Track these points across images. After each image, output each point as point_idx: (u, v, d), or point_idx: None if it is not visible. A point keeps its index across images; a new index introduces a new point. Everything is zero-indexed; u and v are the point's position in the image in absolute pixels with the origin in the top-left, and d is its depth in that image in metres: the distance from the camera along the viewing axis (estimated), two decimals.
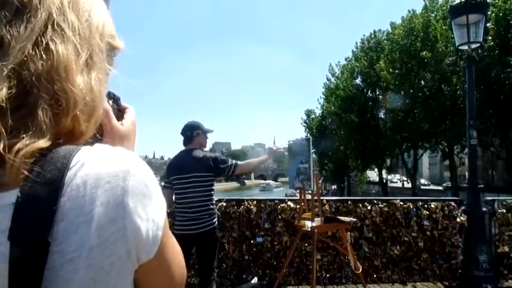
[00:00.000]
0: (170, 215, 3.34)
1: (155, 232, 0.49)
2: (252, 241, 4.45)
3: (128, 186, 0.47)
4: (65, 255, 0.43)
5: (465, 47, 4.53)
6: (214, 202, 3.17)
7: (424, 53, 20.58)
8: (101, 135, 0.61)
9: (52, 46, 0.49)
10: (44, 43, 0.48)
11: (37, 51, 0.48)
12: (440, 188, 37.14)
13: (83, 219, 0.44)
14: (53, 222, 0.43)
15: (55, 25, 0.50)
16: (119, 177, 0.47)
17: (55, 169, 0.45)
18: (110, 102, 0.66)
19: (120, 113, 0.69)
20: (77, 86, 0.50)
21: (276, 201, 4.54)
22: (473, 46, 4.52)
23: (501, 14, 18.01)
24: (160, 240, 0.50)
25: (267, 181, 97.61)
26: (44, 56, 0.48)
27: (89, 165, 0.47)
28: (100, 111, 0.55)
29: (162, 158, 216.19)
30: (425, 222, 4.47)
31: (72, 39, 0.51)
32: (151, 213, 0.49)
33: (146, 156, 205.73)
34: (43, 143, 0.46)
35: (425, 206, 4.54)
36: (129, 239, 0.46)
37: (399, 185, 45.08)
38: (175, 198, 3.18)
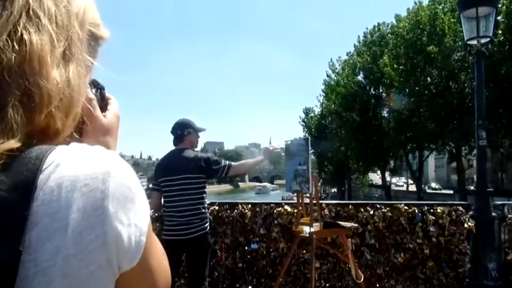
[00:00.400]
0: (159, 219, 3.33)
1: (138, 238, 0.49)
2: (246, 248, 4.45)
3: (108, 189, 0.46)
4: (38, 265, 0.42)
5: (474, 42, 4.56)
6: (206, 206, 3.17)
7: (431, 47, 20.69)
8: (80, 134, 0.60)
9: (26, 36, 0.47)
10: (17, 32, 0.47)
11: (9, 41, 0.46)
12: (451, 192, 37.09)
13: (58, 226, 0.43)
14: (24, 229, 0.42)
15: (30, 12, 0.48)
16: (98, 179, 0.46)
17: (26, 171, 0.44)
18: (93, 90, 0.65)
19: (103, 104, 0.68)
20: (51, 80, 0.49)
21: (272, 205, 4.54)
22: (483, 41, 4.54)
23: None
24: (143, 246, 0.50)
25: (263, 183, 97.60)
26: (16, 47, 0.46)
27: (64, 167, 0.46)
28: (79, 107, 0.54)
29: (149, 158, 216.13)
30: (431, 228, 4.49)
31: (48, 27, 0.49)
32: (134, 218, 0.48)
33: (133, 156, 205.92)
34: (13, 143, 0.45)
35: (431, 210, 4.55)
36: (109, 247, 0.46)
37: (404, 188, 45.25)
38: (164, 201, 3.17)
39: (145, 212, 0.51)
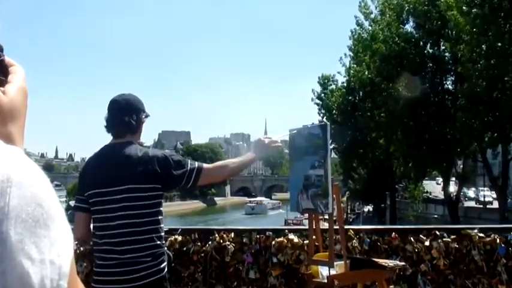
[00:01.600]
0: (86, 256, 3.33)
1: (56, 282, 0.50)
2: None
3: (9, 205, 0.47)
4: None
5: None
6: (162, 235, 3.17)
7: None
8: None
9: None
10: None
11: None
12: None
13: None
14: None
15: None
16: None
17: None
18: None
19: (1, 74, 0.69)
20: None
21: (268, 233, 4.56)
22: None
23: None
24: None
25: (258, 198, 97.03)
26: None
27: None
28: None
29: (70, 158, 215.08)
30: None
31: None
32: (49, 251, 0.49)
33: (43, 155, 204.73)
34: None
35: None
36: None
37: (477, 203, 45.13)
38: (94, 227, 3.17)
39: (66, 242, 0.52)
